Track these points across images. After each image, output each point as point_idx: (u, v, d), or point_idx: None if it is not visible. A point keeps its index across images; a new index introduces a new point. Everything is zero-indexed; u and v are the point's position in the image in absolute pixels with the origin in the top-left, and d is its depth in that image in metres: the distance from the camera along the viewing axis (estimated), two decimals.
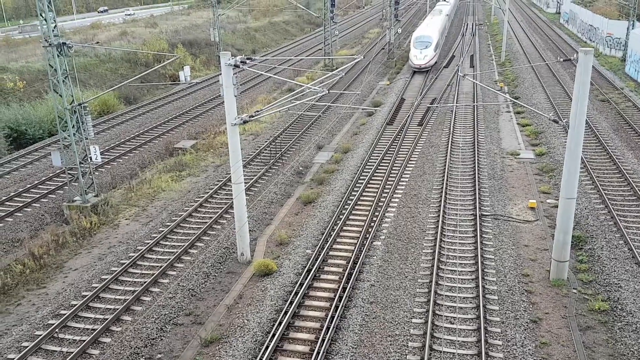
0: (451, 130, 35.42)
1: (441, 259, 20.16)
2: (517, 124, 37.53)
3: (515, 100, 20.13)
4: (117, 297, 18.65)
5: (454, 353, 15.36)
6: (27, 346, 16.25)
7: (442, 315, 17.02)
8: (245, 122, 19.23)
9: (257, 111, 19.65)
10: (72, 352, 15.79)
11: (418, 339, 16.03)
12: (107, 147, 33.93)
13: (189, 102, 45.83)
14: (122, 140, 35.41)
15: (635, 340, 15.73)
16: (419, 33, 56.64)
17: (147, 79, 50.08)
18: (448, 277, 19.07)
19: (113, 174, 30.43)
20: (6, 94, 40.47)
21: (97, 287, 19.17)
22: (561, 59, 19.72)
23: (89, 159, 25.49)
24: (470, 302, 17.64)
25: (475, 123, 36.84)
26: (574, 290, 18.28)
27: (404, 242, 21.67)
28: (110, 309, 17.98)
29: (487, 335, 15.99)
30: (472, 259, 20.20)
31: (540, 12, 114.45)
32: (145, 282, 19.22)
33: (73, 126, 24.73)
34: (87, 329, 17.06)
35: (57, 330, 16.90)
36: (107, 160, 31.78)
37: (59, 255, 22.17)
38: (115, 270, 20.20)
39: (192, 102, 45.70)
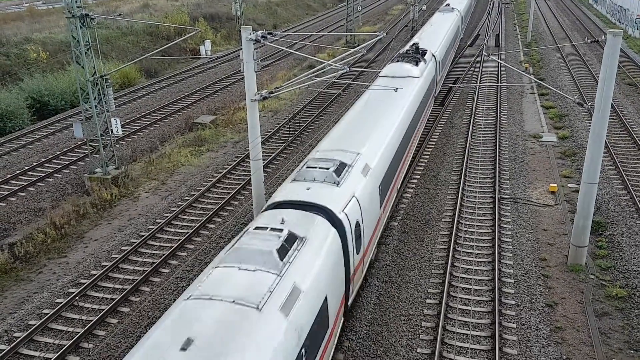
0: (473, 111, 34.95)
1: (458, 241, 20.09)
2: (541, 106, 36.88)
3: (540, 82, 19.71)
4: (136, 268, 18.98)
5: (467, 334, 15.39)
6: (48, 313, 16.68)
7: (456, 297, 17.02)
8: (264, 98, 19.15)
9: (277, 87, 19.54)
10: (92, 320, 16.17)
11: (432, 319, 16.08)
12: (127, 120, 34.18)
13: (209, 76, 45.81)
14: (143, 113, 35.62)
15: None
16: None
17: (168, 52, 50.14)
18: (464, 259, 19.01)
19: (133, 147, 30.70)
20: (29, 65, 40.87)
21: (116, 257, 19.53)
22: (589, 40, 19.18)
23: (110, 131, 25.75)
24: (486, 285, 17.60)
25: (498, 104, 36.29)
26: (592, 276, 18.11)
27: (421, 224, 21.60)
28: (129, 279, 18.33)
29: (501, 317, 15.97)
30: (489, 241, 20.08)
31: None
32: (163, 255, 19.51)
33: (95, 98, 24.93)
34: (106, 298, 17.43)
35: (77, 298, 17.29)
36: (127, 133, 32.05)
37: (79, 225, 22.58)
38: (135, 242, 20.52)
39: (212, 77, 45.67)
